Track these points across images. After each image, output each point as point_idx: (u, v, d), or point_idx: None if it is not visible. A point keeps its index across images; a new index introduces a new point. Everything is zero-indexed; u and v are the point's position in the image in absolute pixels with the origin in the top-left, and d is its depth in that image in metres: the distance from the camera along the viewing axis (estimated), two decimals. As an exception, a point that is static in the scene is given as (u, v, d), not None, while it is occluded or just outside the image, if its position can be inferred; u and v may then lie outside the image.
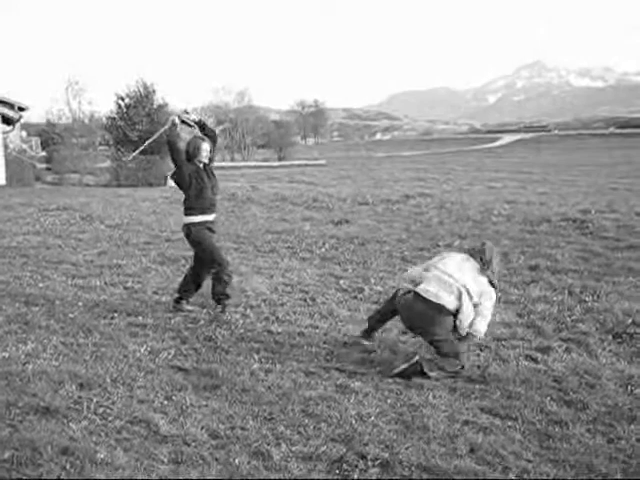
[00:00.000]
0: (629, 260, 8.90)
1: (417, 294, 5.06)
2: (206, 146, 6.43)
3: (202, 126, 6.61)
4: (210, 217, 6.57)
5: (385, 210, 14.55)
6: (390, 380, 4.80)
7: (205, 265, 6.64)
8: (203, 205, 6.48)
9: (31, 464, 3.43)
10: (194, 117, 6.68)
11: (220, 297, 6.55)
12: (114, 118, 31.19)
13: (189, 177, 6.38)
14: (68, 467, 3.40)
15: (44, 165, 33.33)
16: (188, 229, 6.55)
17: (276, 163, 53.20)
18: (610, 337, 5.80)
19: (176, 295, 6.75)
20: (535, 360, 5.24)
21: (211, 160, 6.59)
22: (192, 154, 6.40)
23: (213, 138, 6.61)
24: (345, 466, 3.51)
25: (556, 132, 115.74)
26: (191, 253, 9.55)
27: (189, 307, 6.64)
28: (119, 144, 30.41)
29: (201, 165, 6.46)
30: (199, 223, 6.50)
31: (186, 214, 6.56)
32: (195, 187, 6.41)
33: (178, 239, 11.03)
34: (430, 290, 5.01)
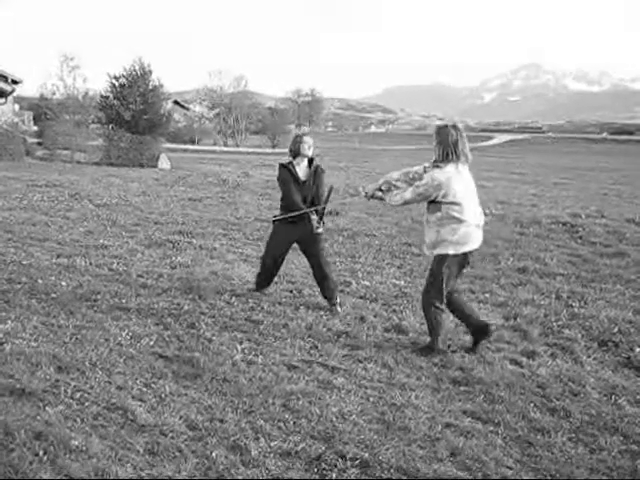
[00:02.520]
0: (617, 267, 8.88)
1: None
2: (308, 139, 6.32)
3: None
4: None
5: (376, 203, 14.45)
6: (373, 378, 4.75)
7: (317, 263, 6.46)
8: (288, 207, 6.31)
9: (3, 448, 3.35)
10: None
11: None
12: (108, 97, 30.92)
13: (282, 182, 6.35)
14: (41, 453, 3.32)
15: (35, 140, 32.98)
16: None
17: (269, 150, 52.95)
18: (595, 345, 5.76)
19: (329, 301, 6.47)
20: (520, 364, 5.19)
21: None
22: (295, 149, 6.31)
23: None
24: (324, 465, 3.46)
25: (550, 134, 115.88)
26: (177, 237, 9.51)
27: (338, 308, 6.38)
28: (112, 123, 30.17)
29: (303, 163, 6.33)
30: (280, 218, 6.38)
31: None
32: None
33: (167, 222, 10.96)
34: None
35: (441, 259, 5.25)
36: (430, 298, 5.31)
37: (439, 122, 5.78)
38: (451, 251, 5.18)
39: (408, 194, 5.25)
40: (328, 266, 6.53)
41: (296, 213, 6.14)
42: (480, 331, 5.43)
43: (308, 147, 6.27)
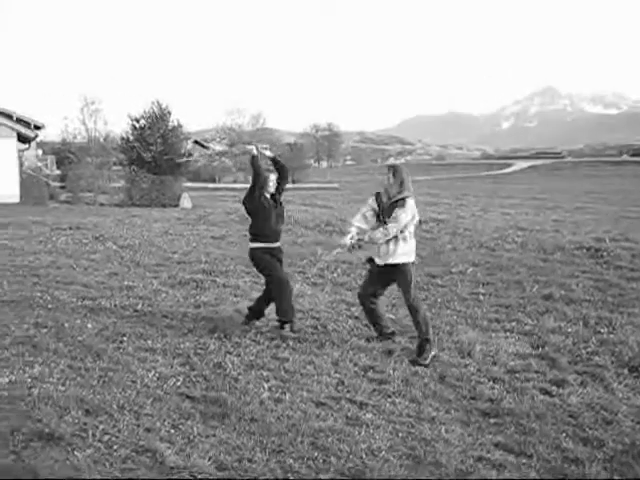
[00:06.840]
0: (645, 291, 8.76)
1: None
2: (273, 177, 6.88)
3: (275, 161, 7.04)
4: (273, 244, 6.85)
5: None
6: (402, 412, 4.70)
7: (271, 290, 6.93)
8: (266, 233, 6.79)
9: (33, 494, 3.36)
10: (269, 153, 7.10)
11: (282, 318, 6.72)
12: (128, 139, 31.33)
13: (256, 206, 6.80)
14: (71, 499, 3.32)
15: (58, 183, 33.47)
16: (252, 253, 6.91)
17: (289, 185, 53.18)
18: (626, 371, 5.67)
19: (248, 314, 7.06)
20: (550, 394, 5.12)
21: (280, 192, 6.98)
22: (260, 185, 6.76)
23: (283, 173, 7.03)
24: (355, 503, 3.42)
25: (569, 159, 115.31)
26: (200, 276, 9.55)
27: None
28: (133, 164, 30.52)
29: (268, 195, 6.86)
30: (260, 248, 6.81)
31: (251, 240, 6.93)
32: (261, 217, 6.79)
33: (190, 261, 11.01)
34: None
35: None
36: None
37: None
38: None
39: (394, 228, 6.14)
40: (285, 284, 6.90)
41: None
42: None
43: (272, 184, 6.87)
